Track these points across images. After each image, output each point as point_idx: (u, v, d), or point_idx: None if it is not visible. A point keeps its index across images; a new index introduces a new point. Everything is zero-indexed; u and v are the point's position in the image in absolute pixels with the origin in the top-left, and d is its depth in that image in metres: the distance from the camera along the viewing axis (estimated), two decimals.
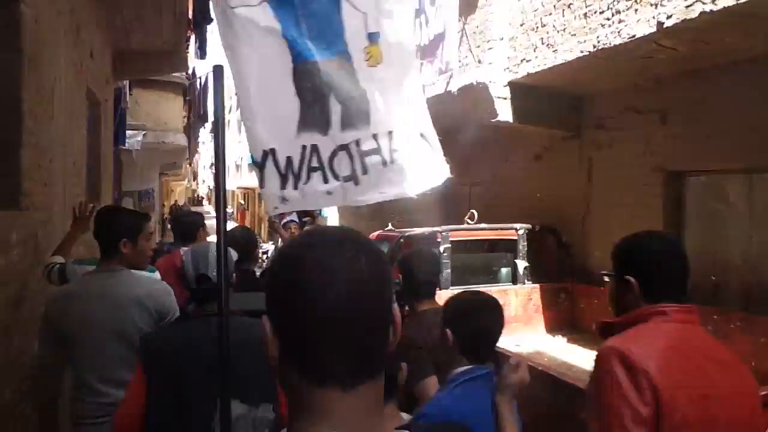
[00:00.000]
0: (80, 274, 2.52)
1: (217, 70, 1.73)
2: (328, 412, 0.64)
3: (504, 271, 5.53)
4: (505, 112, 5.34)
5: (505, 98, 5.32)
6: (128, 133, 10.54)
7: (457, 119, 6.82)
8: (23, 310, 3.42)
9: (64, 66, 4.51)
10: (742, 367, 1.36)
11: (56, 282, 2.75)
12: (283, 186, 2.03)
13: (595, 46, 4.23)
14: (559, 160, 6.12)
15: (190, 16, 6.72)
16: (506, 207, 6.79)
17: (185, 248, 3.87)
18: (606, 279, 1.58)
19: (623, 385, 1.24)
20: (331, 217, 13.01)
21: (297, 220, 4.93)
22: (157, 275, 2.87)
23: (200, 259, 1.84)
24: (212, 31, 7.47)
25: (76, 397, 2.18)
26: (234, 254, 1.98)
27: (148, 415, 1.70)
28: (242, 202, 30.59)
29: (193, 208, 28.27)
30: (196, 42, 6.72)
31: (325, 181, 2.03)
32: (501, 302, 5.57)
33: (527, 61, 5.04)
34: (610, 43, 4.09)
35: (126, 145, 10.50)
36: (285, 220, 4.79)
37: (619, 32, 4.01)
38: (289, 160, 2.01)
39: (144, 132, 11.34)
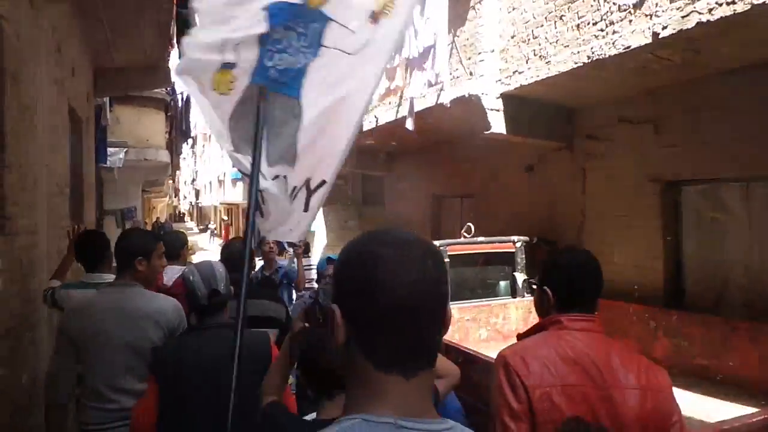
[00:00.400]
0: (67, 298, 2.77)
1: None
2: (390, 395, 0.72)
3: (503, 284, 5.46)
4: (498, 124, 5.31)
5: (498, 110, 5.30)
6: (109, 150, 10.32)
7: (447, 132, 6.79)
8: (10, 339, 3.25)
9: (46, 84, 4.36)
10: (643, 371, 1.45)
11: (50, 305, 3.02)
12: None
13: (589, 57, 4.22)
14: (552, 171, 6.11)
15: (173, 29, 6.60)
16: (499, 219, 6.76)
17: (180, 267, 3.83)
18: (534, 288, 1.72)
19: (502, 386, 1.45)
20: (319, 231, 12.88)
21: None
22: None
23: (209, 277, 2.07)
24: None
25: (85, 403, 2.29)
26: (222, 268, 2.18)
27: (159, 417, 1.89)
28: (225, 217, 30.27)
29: (175, 225, 27.87)
30: (180, 56, 6.58)
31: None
32: (501, 316, 5.44)
33: (519, 73, 5.02)
34: (604, 54, 4.08)
35: (107, 163, 10.28)
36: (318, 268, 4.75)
37: (613, 43, 4.00)
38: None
39: (126, 149, 11.11)
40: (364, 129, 8.01)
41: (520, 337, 1.66)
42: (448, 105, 5.08)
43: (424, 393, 0.75)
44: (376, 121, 7.50)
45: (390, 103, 7.09)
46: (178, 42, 6.41)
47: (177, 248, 3.99)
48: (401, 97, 6.52)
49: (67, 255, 3.43)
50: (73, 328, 2.28)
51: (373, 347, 0.73)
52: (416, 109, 6.03)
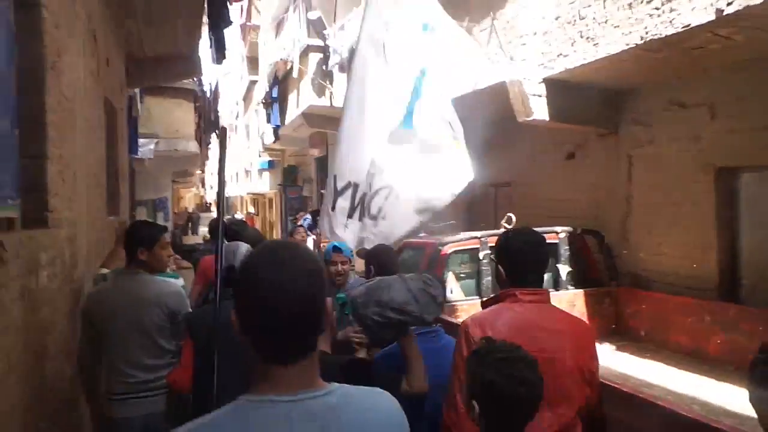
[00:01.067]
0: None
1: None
2: (271, 380, 0.95)
3: (545, 276, 5.27)
4: (540, 110, 5.11)
5: (540, 95, 5.09)
6: (140, 141, 10.39)
7: (482, 118, 6.60)
8: (54, 333, 3.23)
9: (83, 74, 4.33)
10: (579, 337, 1.78)
11: None
12: (350, 215, 2.83)
13: (642, 38, 3.99)
14: (595, 158, 5.87)
15: (205, 19, 6.52)
16: (537, 209, 6.56)
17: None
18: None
19: (462, 347, 1.75)
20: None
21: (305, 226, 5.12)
22: (180, 281, 3.50)
23: (228, 255, 2.46)
24: (232, 33, 7.30)
25: (108, 378, 2.71)
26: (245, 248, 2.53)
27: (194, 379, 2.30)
28: (252, 209, 30.46)
29: (202, 215, 28.20)
30: (212, 46, 6.52)
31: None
32: None
33: (564, 56, 4.81)
34: (660, 34, 3.85)
35: (138, 154, 10.36)
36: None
37: (671, 22, 3.76)
38: (362, 197, 2.89)
39: (156, 140, 11.19)
40: None
41: (483, 304, 2.02)
42: (486, 91, 4.86)
43: (306, 374, 0.97)
44: None
45: None
46: (210, 31, 6.37)
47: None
48: None
49: (116, 244, 3.97)
50: (91, 313, 2.76)
51: (260, 347, 0.96)
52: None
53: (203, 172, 28.45)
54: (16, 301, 2.55)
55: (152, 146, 11.06)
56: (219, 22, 5.70)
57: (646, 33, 3.94)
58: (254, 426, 0.91)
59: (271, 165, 19.86)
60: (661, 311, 4.79)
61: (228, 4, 5.71)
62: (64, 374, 3.43)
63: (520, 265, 1.84)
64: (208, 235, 5.12)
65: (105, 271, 3.66)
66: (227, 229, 4.23)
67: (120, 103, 6.81)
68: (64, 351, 3.45)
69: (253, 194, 26.96)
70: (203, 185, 45.59)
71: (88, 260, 4.41)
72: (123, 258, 3.32)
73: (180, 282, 3.32)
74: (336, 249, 3.45)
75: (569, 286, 5.15)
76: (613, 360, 4.63)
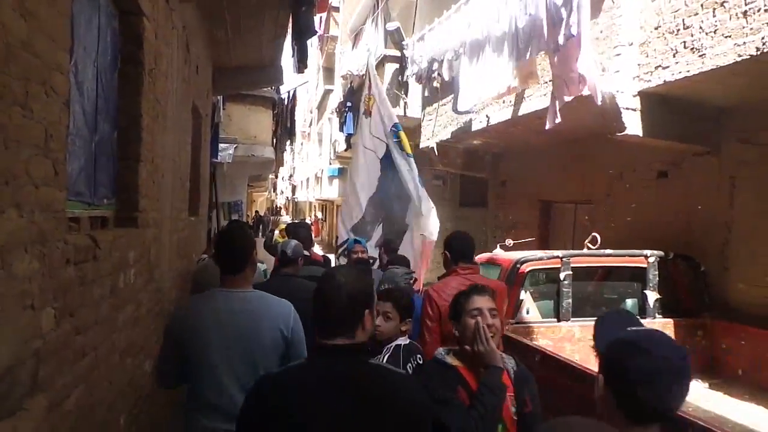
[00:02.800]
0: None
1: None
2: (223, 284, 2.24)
3: (630, 302, 4.91)
4: (633, 125, 4.78)
5: (635, 109, 4.77)
6: (220, 146, 10.78)
7: (570, 132, 6.30)
8: (137, 330, 3.32)
9: (176, 80, 4.49)
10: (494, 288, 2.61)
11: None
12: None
13: (758, 49, 3.64)
14: (691, 178, 5.44)
15: (290, 29, 6.65)
16: (621, 229, 6.17)
17: None
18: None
19: (426, 307, 3.02)
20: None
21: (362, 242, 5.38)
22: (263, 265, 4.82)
23: (283, 246, 3.61)
24: (311, 44, 7.43)
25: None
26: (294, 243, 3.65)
27: None
28: (320, 214, 31.03)
29: (273, 218, 29.08)
30: (294, 55, 6.64)
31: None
32: None
33: (663, 68, 4.48)
34: None
35: (218, 158, 10.73)
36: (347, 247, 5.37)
37: None
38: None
39: (235, 145, 11.57)
40: (473, 129, 7.70)
41: (439, 278, 3.30)
42: (599, 102, 4.57)
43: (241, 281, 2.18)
44: (488, 120, 7.15)
45: (504, 102, 6.72)
46: (294, 42, 6.49)
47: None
48: (524, 95, 6.14)
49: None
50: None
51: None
52: (537, 108, 5.63)
53: (276, 177, 29.35)
54: (106, 298, 2.62)
55: (231, 151, 11.44)
56: (303, 32, 5.79)
57: (764, 44, 3.59)
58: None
59: (340, 172, 20.16)
60: (763, 349, 4.32)
61: (313, 15, 5.80)
62: (144, 370, 3.54)
63: (458, 251, 3.20)
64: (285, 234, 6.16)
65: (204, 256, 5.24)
66: (288, 229, 5.74)
67: (206, 109, 7.08)
68: (144, 348, 3.55)
69: (322, 200, 27.46)
70: (275, 189, 47.03)
71: (170, 259, 4.56)
72: None
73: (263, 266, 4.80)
74: (356, 242, 5.18)
75: (657, 315, 4.77)
76: (706, 399, 4.23)
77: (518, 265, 4.47)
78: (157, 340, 3.94)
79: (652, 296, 4.73)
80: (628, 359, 1.20)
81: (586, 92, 4.58)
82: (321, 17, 18.23)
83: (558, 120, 5.04)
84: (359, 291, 1.52)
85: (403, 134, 5.91)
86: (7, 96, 1.48)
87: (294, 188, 41.18)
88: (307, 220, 25.73)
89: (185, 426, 2.15)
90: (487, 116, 7.12)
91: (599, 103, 4.65)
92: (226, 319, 2.10)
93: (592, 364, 4.03)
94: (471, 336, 1.98)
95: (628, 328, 1.29)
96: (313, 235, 6.41)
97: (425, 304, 3.01)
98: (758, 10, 3.67)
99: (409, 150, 5.84)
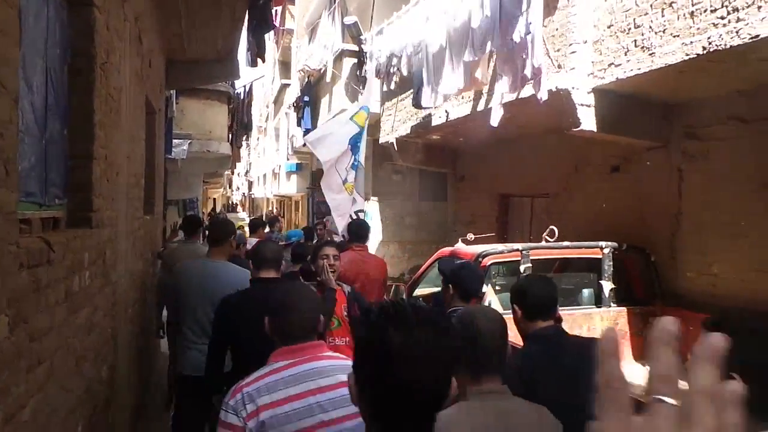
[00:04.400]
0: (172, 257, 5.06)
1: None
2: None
3: (586, 292, 5.08)
4: (588, 121, 4.93)
5: (589, 105, 4.92)
6: (174, 141, 10.48)
7: (525, 128, 6.44)
8: (93, 335, 3.19)
9: (128, 74, 4.33)
10: (380, 265, 4.57)
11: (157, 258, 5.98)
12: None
13: (705, 48, 3.81)
14: (642, 172, 5.65)
15: (246, 22, 6.51)
16: (576, 222, 6.36)
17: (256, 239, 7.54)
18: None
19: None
20: (374, 229, 12.70)
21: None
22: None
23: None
24: (268, 37, 7.29)
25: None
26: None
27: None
28: (274, 210, 30.64)
29: (229, 215, 28.48)
30: (249, 49, 6.51)
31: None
32: (585, 327, 5.21)
33: (616, 66, 4.63)
34: (725, 45, 3.66)
35: (172, 154, 10.43)
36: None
37: (737, 32, 3.57)
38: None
39: (190, 141, 11.26)
40: (433, 124, 7.75)
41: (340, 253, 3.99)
42: (544, 99, 4.72)
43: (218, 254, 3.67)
44: (447, 116, 7.22)
45: (463, 97, 6.79)
46: (250, 35, 6.35)
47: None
48: (482, 92, 6.22)
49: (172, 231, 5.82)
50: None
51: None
52: (494, 104, 5.73)
53: (232, 173, 28.78)
54: (60, 303, 2.51)
55: (185, 147, 11.14)
56: (261, 25, 5.68)
57: (710, 43, 3.76)
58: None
59: (299, 168, 19.94)
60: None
61: (271, 9, 5.69)
62: (101, 376, 3.41)
63: (354, 233, 4.55)
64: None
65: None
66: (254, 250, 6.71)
67: (159, 104, 6.85)
68: (101, 353, 3.42)
69: (280, 196, 27.10)
70: (230, 186, 46.09)
71: (126, 260, 4.40)
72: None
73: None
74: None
75: (612, 304, 4.95)
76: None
77: (480, 259, 4.54)
78: (115, 345, 3.81)
79: (607, 286, 4.90)
80: (460, 270, 3.01)
81: (530, 90, 4.72)
82: (276, 10, 17.92)
83: (501, 116, 5.19)
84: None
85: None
86: None
87: (251, 184, 40.47)
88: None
89: (180, 350, 3.85)
90: (446, 111, 7.19)
91: (544, 97, 4.81)
92: (203, 278, 3.65)
93: None
94: (320, 270, 3.39)
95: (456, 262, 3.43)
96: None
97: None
98: (704, 11, 3.84)
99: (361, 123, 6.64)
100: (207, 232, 3.80)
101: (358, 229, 4.61)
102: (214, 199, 35.34)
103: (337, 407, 1.63)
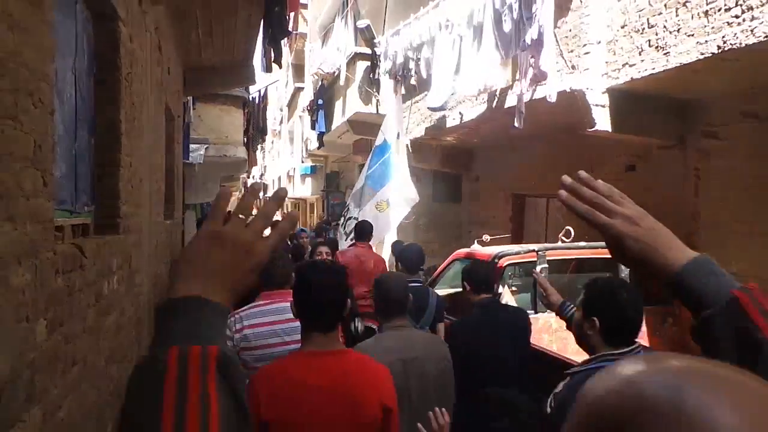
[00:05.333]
0: None
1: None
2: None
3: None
4: (602, 121, 4.94)
5: (604, 106, 4.92)
6: (192, 147, 10.63)
7: (541, 128, 6.45)
8: (120, 337, 3.30)
9: (150, 83, 4.44)
10: (378, 260, 5.26)
11: None
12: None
13: (719, 47, 3.81)
14: (658, 171, 5.64)
15: (261, 29, 6.61)
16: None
17: None
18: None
19: (337, 259, 5.06)
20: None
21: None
22: None
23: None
24: (283, 42, 7.41)
25: None
26: None
27: None
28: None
29: None
30: (266, 55, 6.61)
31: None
32: None
33: (630, 66, 4.64)
34: (739, 44, 3.66)
35: (189, 159, 10.58)
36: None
37: (752, 31, 3.57)
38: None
39: (207, 146, 11.41)
40: (447, 126, 7.79)
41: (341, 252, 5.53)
42: (553, 101, 4.76)
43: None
44: (461, 117, 7.26)
45: (476, 99, 6.82)
46: (266, 42, 6.45)
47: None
48: (496, 93, 6.25)
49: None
50: None
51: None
52: (509, 104, 5.76)
53: (248, 176, 29.02)
54: (92, 306, 2.60)
55: (203, 151, 11.28)
56: (276, 32, 5.77)
57: (724, 42, 3.75)
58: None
59: (313, 170, 20.07)
60: None
61: (286, 16, 5.79)
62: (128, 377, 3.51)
63: (359, 233, 5.31)
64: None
65: None
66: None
67: (178, 110, 6.98)
68: (127, 355, 3.52)
69: (295, 199, 27.27)
70: (245, 189, 46.42)
71: (149, 264, 4.52)
72: None
73: None
74: (302, 230, 7.62)
75: None
76: None
77: (496, 260, 4.57)
78: (139, 347, 3.91)
79: None
80: (403, 251, 4.51)
81: (544, 92, 4.76)
82: (290, 16, 18.08)
83: (523, 117, 5.22)
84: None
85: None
86: (0, 109, 1.48)
87: (266, 187, 40.74)
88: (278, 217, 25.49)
89: None
90: (460, 113, 7.23)
91: (552, 100, 4.87)
92: None
93: (569, 353, 4.17)
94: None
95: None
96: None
97: (336, 259, 5.05)
98: (719, 10, 3.83)
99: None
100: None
101: (361, 230, 5.44)
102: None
103: (291, 334, 2.36)
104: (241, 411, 0.59)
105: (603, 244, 3.65)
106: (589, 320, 1.84)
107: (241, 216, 0.72)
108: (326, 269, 1.91)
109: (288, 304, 2.09)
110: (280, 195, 0.82)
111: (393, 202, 7.30)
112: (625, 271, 4.90)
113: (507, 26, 5.37)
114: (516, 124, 5.33)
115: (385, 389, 1.75)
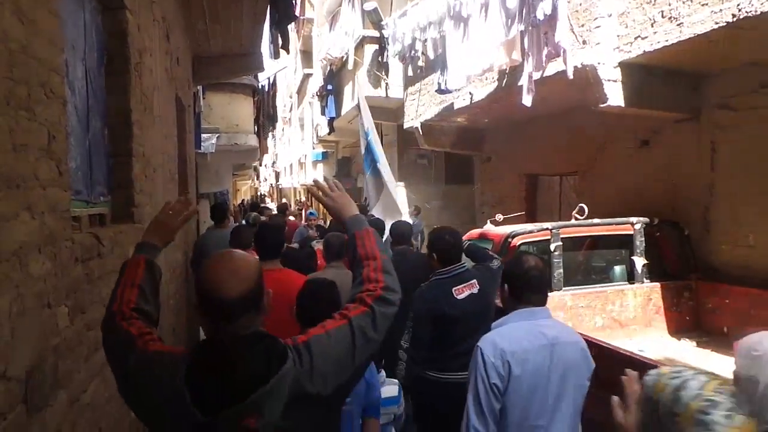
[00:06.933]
0: None
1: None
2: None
3: (618, 269, 5.05)
4: (615, 96, 4.87)
5: (616, 80, 4.85)
6: (203, 136, 10.68)
7: (552, 106, 6.38)
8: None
9: (159, 73, 4.46)
10: None
11: None
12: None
13: (734, 16, 3.72)
14: (673, 145, 5.56)
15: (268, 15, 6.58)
16: (606, 199, 6.30)
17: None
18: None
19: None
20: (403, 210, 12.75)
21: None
22: None
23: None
24: (290, 28, 7.38)
25: None
26: None
27: None
28: (304, 199, 30.89)
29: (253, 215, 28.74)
30: (273, 42, 6.59)
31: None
32: (617, 303, 5.29)
33: (642, 39, 4.55)
34: (755, 11, 3.57)
35: (201, 148, 10.64)
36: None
37: None
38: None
39: (218, 135, 11.46)
40: (456, 107, 7.73)
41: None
42: (571, 77, 4.69)
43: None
44: (471, 98, 7.20)
45: (486, 78, 6.76)
46: (272, 27, 6.43)
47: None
48: (506, 72, 6.19)
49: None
50: None
51: None
52: (519, 83, 5.70)
53: (260, 164, 29.16)
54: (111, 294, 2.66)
55: (214, 140, 11.35)
56: (282, 18, 5.75)
57: (739, 10, 3.67)
58: None
59: (324, 156, 20.06)
60: (746, 307, 4.50)
61: (292, 1, 5.76)
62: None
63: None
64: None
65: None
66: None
67: (188, 100, 7.01)
68: None
69: (306, 185, 27.33)
70: (258, 177, 46.66)
71: (165, 252, 4.58)
72: None
73: None
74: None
75: (645, 279, 4.92)
76: (695, 357, 4.40)
77: (509, 239, 4.57)
78: (161, 331, 3.98)
79: (639, 262, 4.87)
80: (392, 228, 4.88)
81: (556, 68, 4.68)
82: (297, 1, 17.97)
83: (533, 95, 5.15)
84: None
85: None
86: (13, 101, 1.50)
87: (278, 175, 40.88)
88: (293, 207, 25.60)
89: None
90: (470, 93, 7.17)
91: (570, 76, 4.76)
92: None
93: (583, 329, 4.15)
94: None
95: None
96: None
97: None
98: None
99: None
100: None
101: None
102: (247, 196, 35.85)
103: None
104: (155, 284, 1.59)
105: (617, 220, 3.78)
106: (432, 254, 3.19)
107: (169, 211, 1.77)
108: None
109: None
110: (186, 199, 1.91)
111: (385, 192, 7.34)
112: (640, 247, 4.87)
113: (512, 2, 5.29)
114: (524, 102, 5.27)
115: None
